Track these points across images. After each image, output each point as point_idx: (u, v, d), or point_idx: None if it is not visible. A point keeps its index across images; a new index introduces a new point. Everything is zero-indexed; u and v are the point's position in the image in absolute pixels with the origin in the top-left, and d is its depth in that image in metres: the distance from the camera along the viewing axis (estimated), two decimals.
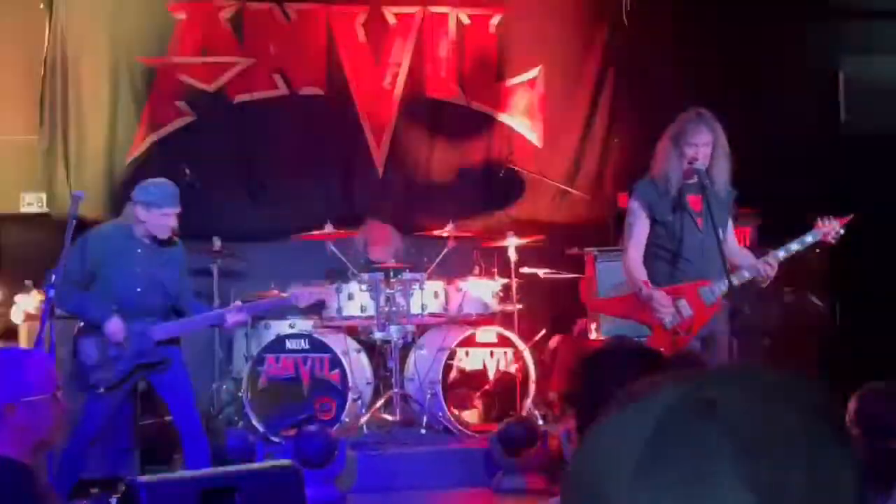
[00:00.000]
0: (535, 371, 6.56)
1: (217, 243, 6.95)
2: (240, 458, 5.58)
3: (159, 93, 7.74)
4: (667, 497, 0.72)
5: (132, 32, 7.70)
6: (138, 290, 5.05)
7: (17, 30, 7.66)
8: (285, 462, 3.17)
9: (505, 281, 6.95)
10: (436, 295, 6.73)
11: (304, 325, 6.76)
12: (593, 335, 6.93)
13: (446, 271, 6.90)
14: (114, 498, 5.06)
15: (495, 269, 7.04)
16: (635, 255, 4.92)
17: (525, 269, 7.16)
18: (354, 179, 8.04)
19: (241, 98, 7.86)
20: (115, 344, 4.97)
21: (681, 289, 4.82)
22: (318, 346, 6.49)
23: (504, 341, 6.68)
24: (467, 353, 6.66)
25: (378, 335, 6.70)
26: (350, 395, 6.37)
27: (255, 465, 4.02)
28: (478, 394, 6.65)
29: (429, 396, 6.47)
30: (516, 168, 7.89)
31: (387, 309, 6.60)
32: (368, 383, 6.70)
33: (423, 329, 6.89)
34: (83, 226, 5.03)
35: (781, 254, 4.86)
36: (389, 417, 6.59)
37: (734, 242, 5.12)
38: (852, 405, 2.57)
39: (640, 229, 4.93)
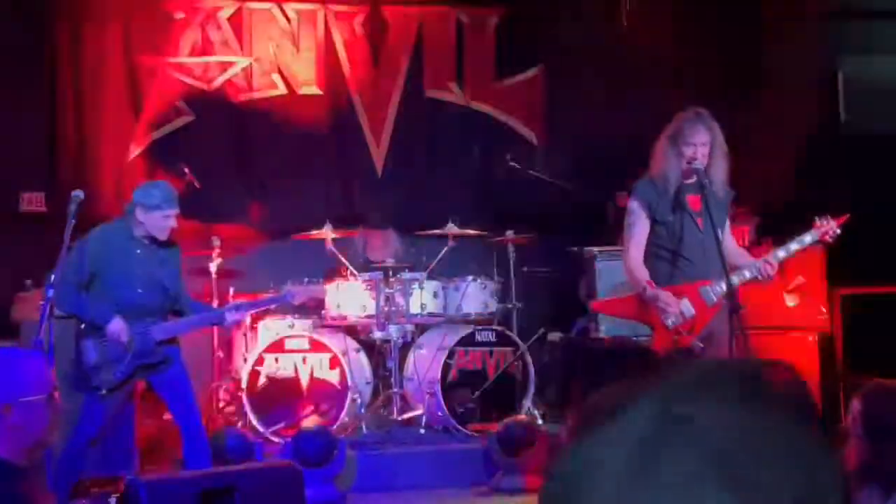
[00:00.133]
0: (534, 370, 6.56)
1: (216, 243, 6.95)
2: (239, 458, 5.57)
3: (159, 93, 7.74)
4: None
5: (132, 32, 7.69)
6: (139, 290, 5.05)
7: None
8: (285, 462, 3.17)
9: (504, 280, 6.95)
10: (435, 294, 6.73)
11: (303, 324, 6.76)
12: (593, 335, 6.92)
13: (446, 271, 6.89)
14: (114, 498, 5.05)
15: (494, 268, 7.03)
16: (636, 255, 4.90)
17: (524, 268, 7.16)
18: (354, 179, 8.04)
19: (240, 98, 7.86)
20: (116, 345, 4.96)
21: (682, 289, 4.81)
22: (318, 346, 6.50)
23: (503, 340, 6.68)
24: (466, 353, 6.66)
25: (377, 335, 6.71)
26: (349, 395, 6.37)
27: (255, 465, 4.02)
28: (477, 393, 6.65)
29: (428, 396, 6.47)
30: (516, 168, 7.88)
31: (386, 308, 6.60)
32: (368, 383, 6.70)
33: (422, 328, 6.89)
34: (83, 226, 5.02)
35: (782, 254, 4.86)
36: (389, 417, 6.59)
37: (732, 242, 5.12)
38: (856, 406, 2.55)
39: (640, 229, 4.92)
